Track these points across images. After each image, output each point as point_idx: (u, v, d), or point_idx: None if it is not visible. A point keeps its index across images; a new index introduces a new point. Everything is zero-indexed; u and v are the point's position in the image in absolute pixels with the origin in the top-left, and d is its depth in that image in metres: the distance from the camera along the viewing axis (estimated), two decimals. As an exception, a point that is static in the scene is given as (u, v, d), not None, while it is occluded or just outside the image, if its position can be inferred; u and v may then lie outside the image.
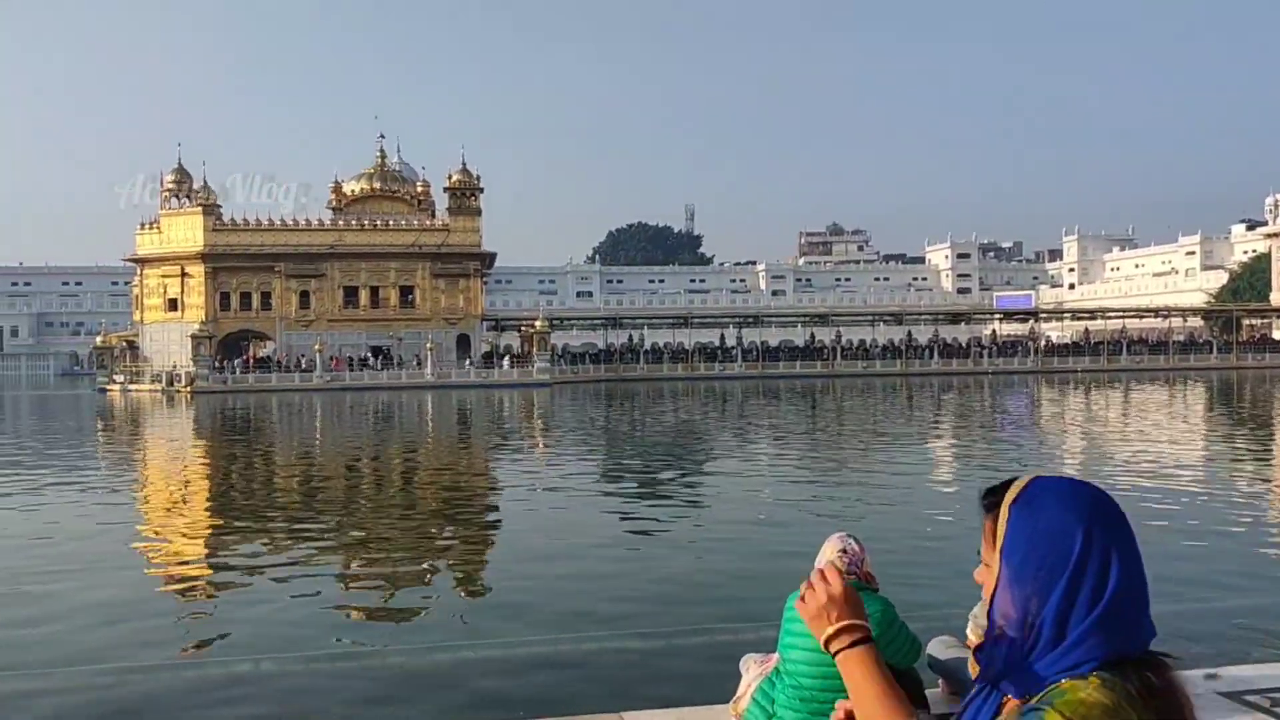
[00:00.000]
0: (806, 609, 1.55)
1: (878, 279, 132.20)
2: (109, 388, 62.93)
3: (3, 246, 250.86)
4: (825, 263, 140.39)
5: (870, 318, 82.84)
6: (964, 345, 75.85)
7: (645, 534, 11.97)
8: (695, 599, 8.64)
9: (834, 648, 1.56)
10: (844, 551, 4.19)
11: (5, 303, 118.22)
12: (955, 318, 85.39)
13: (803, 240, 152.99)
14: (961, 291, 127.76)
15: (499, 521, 13.81)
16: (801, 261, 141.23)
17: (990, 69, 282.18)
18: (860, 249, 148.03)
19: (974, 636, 4.70)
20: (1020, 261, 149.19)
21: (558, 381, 62.55)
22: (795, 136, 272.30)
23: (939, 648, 4.78)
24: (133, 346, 68.68)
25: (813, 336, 77.55)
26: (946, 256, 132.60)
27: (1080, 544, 1.33)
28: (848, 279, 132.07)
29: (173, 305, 67.07)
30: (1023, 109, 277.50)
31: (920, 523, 12.28)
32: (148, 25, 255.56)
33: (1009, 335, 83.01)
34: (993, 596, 1.40)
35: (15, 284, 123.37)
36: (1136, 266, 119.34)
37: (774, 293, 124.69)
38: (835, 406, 39.15)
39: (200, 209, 66.55)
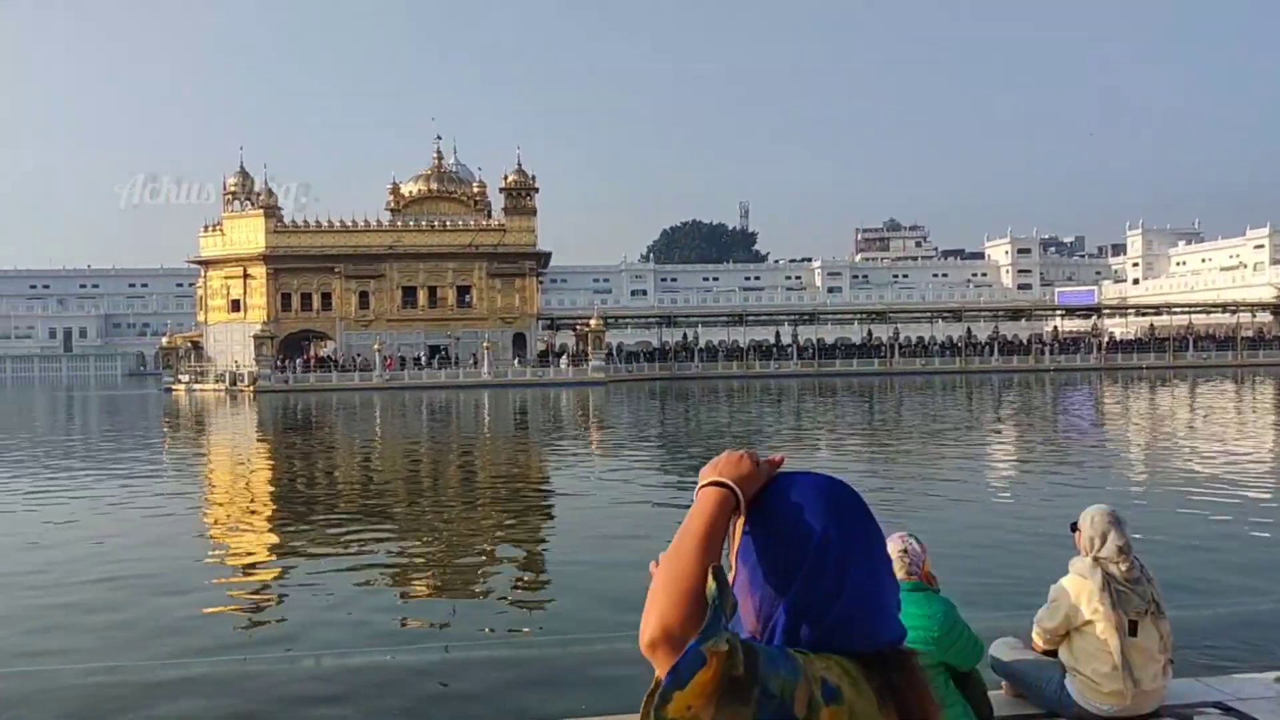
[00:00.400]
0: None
1: (936, 275, 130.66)
2: (174, 387, 64.35)
3: (72, 250, 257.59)
4: (882, 259, 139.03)
5: (929, 314, 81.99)
6: (1025, 342, 74.73)
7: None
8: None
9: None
10: (904, 551, 4.16)
11: (74, 304, 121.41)
12: (1016, 314, 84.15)
13: (859, 237, 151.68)
14: (1022, 287, 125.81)
15: (556, 518, 13.87)
16: (858, 258, 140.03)
17: (1052, 61, 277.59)
18: (918, 245, 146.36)
19: (1039, 640, 4.64)
20: (1082, 257, 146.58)
21: (612, 380, 62.73)
22: (852, 132, 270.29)
23: (1002, 649, 4.73)
24: (197, 347, 70.17)
25: (870, 334, 76.86)
26: (1006, 252, 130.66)
27: (816, 545, 1.29)
28: (905, 275, 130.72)
29: (235, 306, 68.40)
30: (1085, 100, 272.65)
31: (982, 523, 12.13)
32: (207, 31, 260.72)
33: (1071, 332, 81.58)
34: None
35: (84, 286, 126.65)
36: (1203, 261, 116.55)
37: (830, 290, 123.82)
38: (893, 404, 38.78)
39: (262, 211, 67.80)
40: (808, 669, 1.20)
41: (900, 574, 4.12)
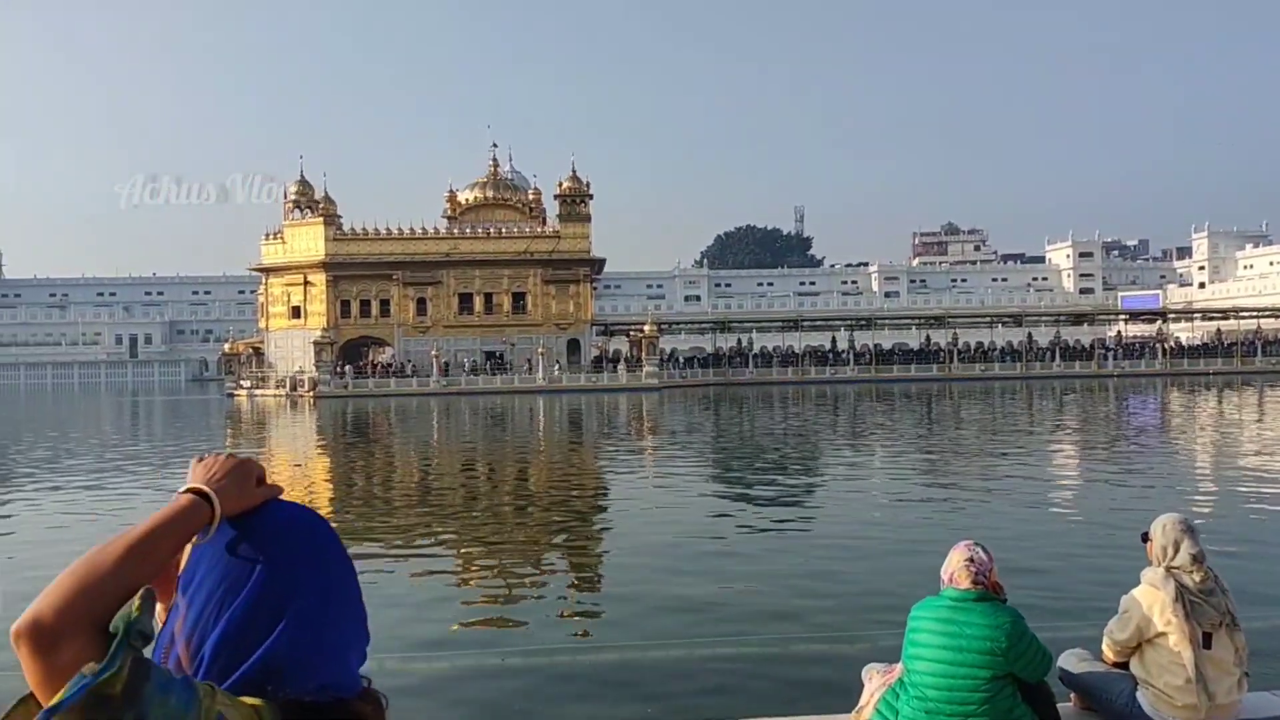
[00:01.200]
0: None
1: (995, 279, 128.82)
2: (236, 392, 65.60)
3: (137, 258, 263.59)
4: (940, 263, 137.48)
5: (988, 319, 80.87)
6: (1087, 347, 73.45)
7: (759, 539, 11.89)
8: (811, 606, 8.53)
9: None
10: (971, 561, 4.10)
11: (139, 311, 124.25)
12: (1078, 319, 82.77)
13: (917, 241, 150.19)
14: (1084, 292, 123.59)
15: (611, 525, 13.88)
16: (916, 262, 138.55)
17: (1114, 59, 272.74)
18: (977, 249, 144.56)
19: (1110, 652, 4.54)
20: (1146, 260, 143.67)
21: (666, 386, 62.74)
22: (909, 135, 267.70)
23: (1071, 661, 4.64)
24: (258, 353, 71.43)
25: (928, 339, 76.05)
26: (1068, 255, 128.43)
27: (258, 579, 1.19)
28: (964, 280, 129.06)
29: (296, 313, 69.51)
30: (1146, 100, 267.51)
31: (1049, 532, 11.93)
32: (270, 41, 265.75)
33: (1135, 337, 80.00)
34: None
35: (149, 293, 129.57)
36: (1271, 264, 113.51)
37: (887, 295, 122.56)
38: (953, 410, 38.31)
39: (321, 219, 68.84)
40: (207, 703, 1.07)
41: (966, 583, 4.06)
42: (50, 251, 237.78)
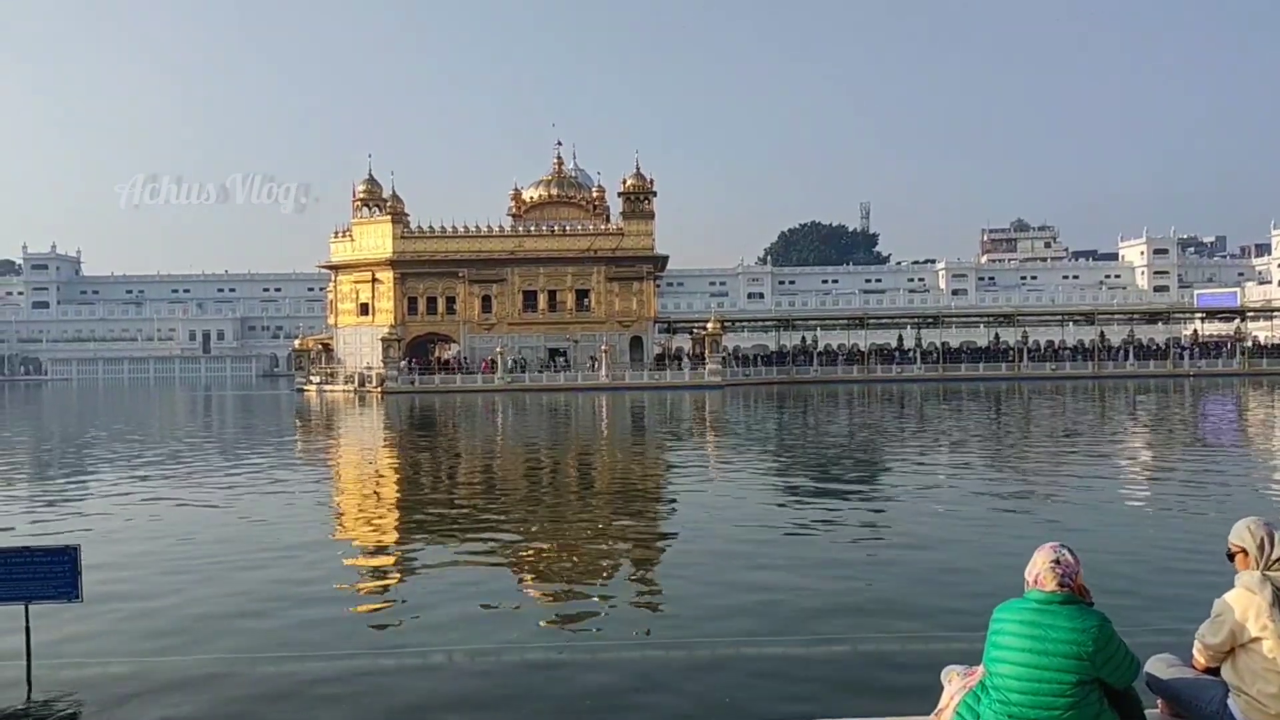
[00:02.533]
0: None
1: (1066, 277, 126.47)
2: (305, 388, 66.88)
3: (210, 256, 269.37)
4: (1009, 260, 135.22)
5: (1059, 317, 79.42)
6: (1162, 346, 71.75)
7: (829, 537, 11.79)
8: (888, 608, 8.42)
9: None
10: (1057, 563, 4.01)
11: (212, 308, 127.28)
12: (1152, 317, 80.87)
13: (985, 238, 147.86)
14: (1158, 290, 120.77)
15: (677, 522, 13.87)
16: (984, 260, 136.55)
17: (1188, 51, 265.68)
18: (1047, 245, 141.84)
19: (1201, 657, 4.41)
20: (1224, 257, 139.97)
21: (729, 383, 62.61)
22: (977, 130, 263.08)
23: (1159, 667, 4.51)
24: (327, 349, 72.70)
25: (996, 337, 74.90)
26: (1142, 253, 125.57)
27: None
28: (1034, 277, 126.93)
29: (364, 310, 70.58)
30: (1225, 93, 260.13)
31: (1138, 535, 11.67)
32: (337, 41, 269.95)
33: (1212, 336, 77.93)
34: None
35: (221, 290, 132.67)
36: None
37: (954, 292, 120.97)
38: (1024, 409, 37.66)
39: (389, 218, 69.81)
40: None
41: (1052, 586, 3.98)
42: (127, 250, 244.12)
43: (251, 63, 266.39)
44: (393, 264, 69.07)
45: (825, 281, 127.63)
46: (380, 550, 11.97)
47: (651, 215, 70.36)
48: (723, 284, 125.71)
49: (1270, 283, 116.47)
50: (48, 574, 6.78)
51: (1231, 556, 4.41)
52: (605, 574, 10.28)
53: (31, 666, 6.67)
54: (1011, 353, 70.03)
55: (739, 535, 11.97)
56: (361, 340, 69.58)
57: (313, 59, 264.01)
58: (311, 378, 68.95)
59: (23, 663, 6.67)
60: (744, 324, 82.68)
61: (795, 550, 11.02)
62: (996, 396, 46.74)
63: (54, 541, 9.59)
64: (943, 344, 71.78)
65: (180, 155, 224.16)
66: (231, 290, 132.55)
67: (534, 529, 12.97)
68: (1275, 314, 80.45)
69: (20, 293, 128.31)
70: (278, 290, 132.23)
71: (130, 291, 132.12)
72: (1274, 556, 4.22)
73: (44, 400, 65.44)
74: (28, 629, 6.74)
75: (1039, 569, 4.03)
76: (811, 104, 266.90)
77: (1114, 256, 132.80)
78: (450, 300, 69.87)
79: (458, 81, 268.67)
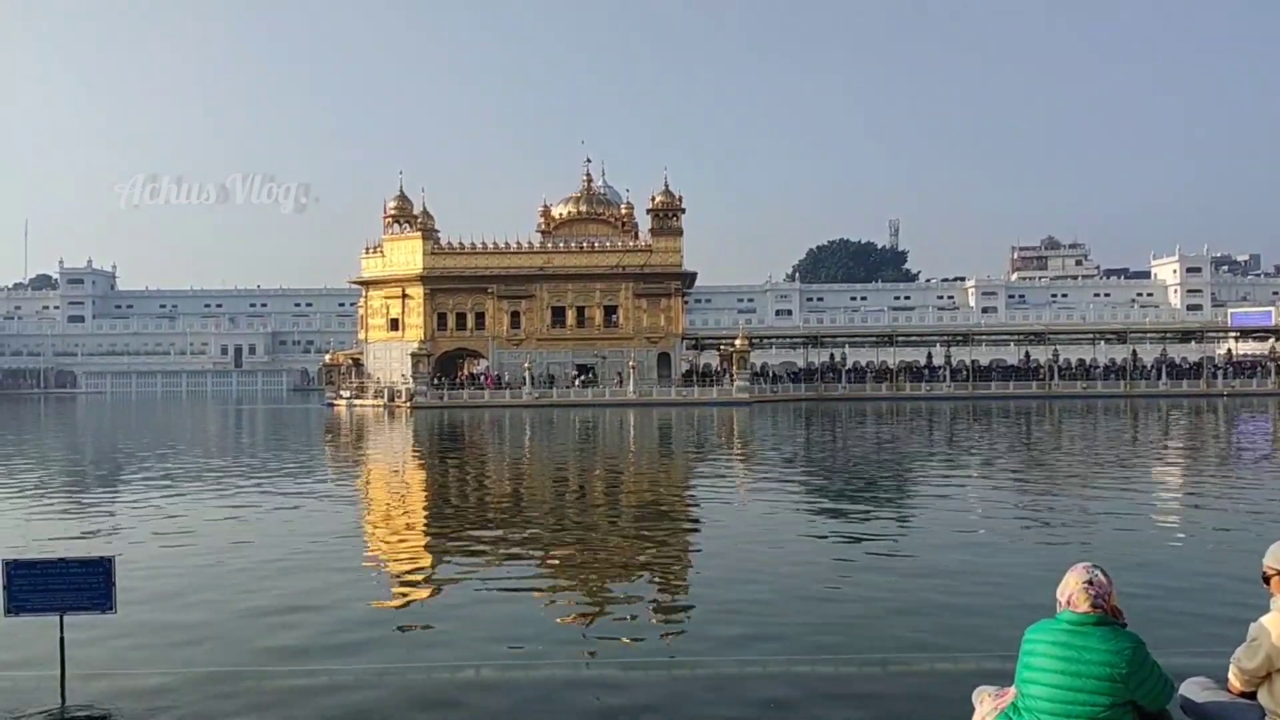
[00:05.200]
0: None
1: (1098, 295, 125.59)
2: (336, 402, 67.41)
3: (243, 270, 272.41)
4: (1040, 278, 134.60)
5: (1090, 335, 78.76)
6: (1195, 365, 70.97)
7: (859, 556, 11.72)
8: (917, 627, 8.36)
9: None
10: (1090, 583, 3.98)
11: (245, 322, 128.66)
12: (1185, 336, 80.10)
13: (1015, 255, 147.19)
14: (1191, 308, 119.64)
15: (704, 541, 13.83)
16: (1014, 277, 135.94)
17: (1217, 70, 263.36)
18: (1078, 263, 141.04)
19: (1237, 681, 4.36)
20: (1258, 275, 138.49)
21: (757, 400, 62.58)
22: (1006, 145, 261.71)
23: (1193, 689, 4.46)
24: (357, 364, 73.28)
25: (1027, 355, 74.47)
26: (1174, 271, 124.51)
27: None
28: (1064, 295, 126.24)
29: (394, 325, 71.13)
30: (1258, 109, 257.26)
31: (1166, 556, 11.54)
32: (362, 55, 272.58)
33: (1246, 355, 77.00)
34: None
35: (253, 305, 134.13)
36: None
37: (984, 310, 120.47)
38: (1055, 428, 37.32)
39: (420, 234, 70.45)
40: None
41: (1085, 606, 3.95)
42: (160, 264, 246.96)
43: (268, 75, 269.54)
44: (423, 279, 69.60)
45: (854, 298, 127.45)
46: (410, 564, 12.02)
47: (680, 232, 70.57)
48: (751, 300, 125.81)
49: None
50: (82, 585, 6.84)
51: (1267, 579, 4.37)
52: (626, 595, 10.26)
53: (65, 677, 6.74)
54: (1042, 371, 69.56)
55: (772, 556, 11.91)
56: (391, 355, 70.13)
57: (343, 75, 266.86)
58: (341, 392, 69.48)
59: (57, 673, 6.74)
60: (772, 341, 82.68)
61: (824, 570, 10.95)
62: (1027, 415, 46.35)
63: (88, 552, 9.69)
64: (972, 362, 71.48)
65: (210, 164, 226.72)
66: (263, 305, 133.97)
67: (563, 548, 12.95)
68: (1311, 333, 79.21)
69: (56, 307, 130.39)
70: (309, 305, 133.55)
71: (164, 305, 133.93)
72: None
73: (78, 413, 66.28)
74: (62, 640, 6.81)
75: (1071, 590, 4.01)
76: (840, 120, 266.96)
77: (1146, 275, 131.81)
78: (479, 316, 70.31)
79: (488, 98, 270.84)
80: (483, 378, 70.04)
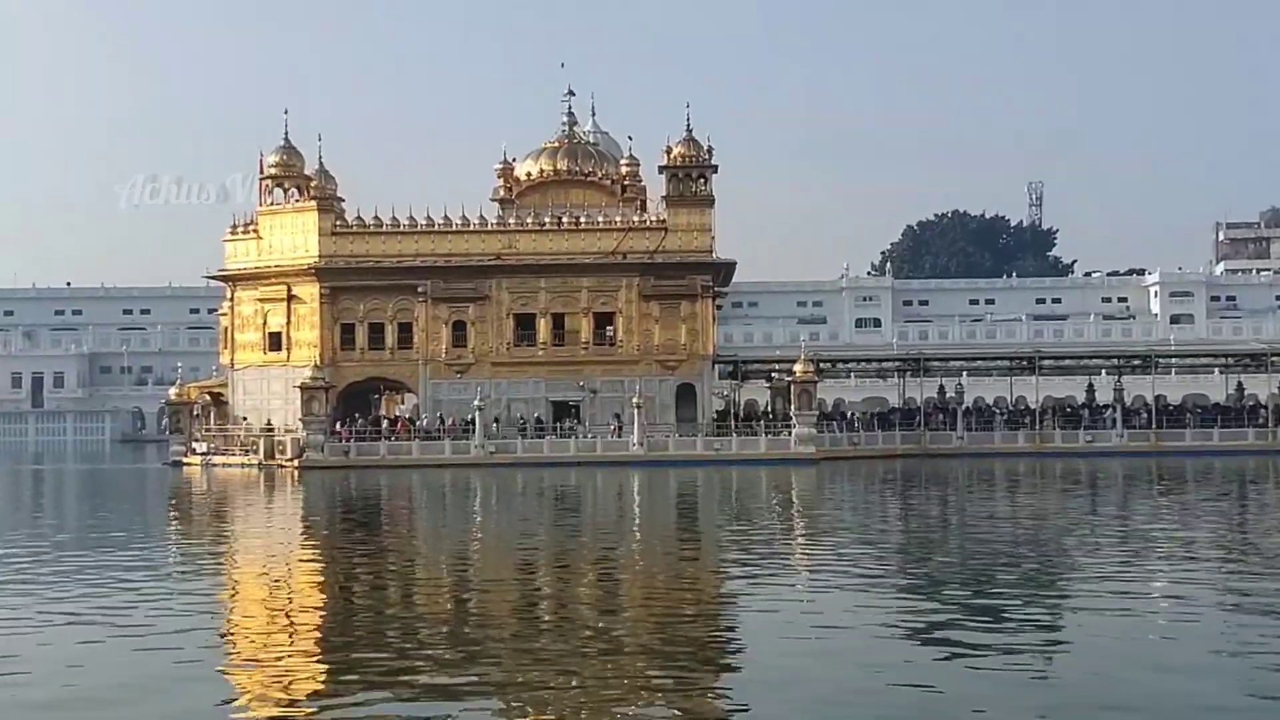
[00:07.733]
0: None
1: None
2: (185, 460, 67.12)
3: (43, 265, 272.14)
4: (1260, 271, 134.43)
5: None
6: None
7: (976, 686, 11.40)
8: None
9: None
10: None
11: (47, 339, 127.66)
12: None
13: (1221, 237, 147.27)
14: None
15: (733, 683, 13.51)
16: (1219, 269, 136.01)
17: None
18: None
19: None
20: None
21: (828, 457, 62.23)
22: (1204, 72, 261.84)
23: None
24: (218, 401, 73.03)
25: (1240, 388, 74.09)
26: None
27: None
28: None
29: (275, 342, 70.63)
30: None
31: None
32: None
33: None
34: None
35: (60, 313, 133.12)
36: None
37: (1174, 319, 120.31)
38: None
39: (314, 204, 69.71)
40: None
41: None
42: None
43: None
44: (319, 272, 69.27)
45: (974, 302, 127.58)
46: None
47: (710, 201, 70.31)
48: (818, 304, 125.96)
49: None
50: None
51: None
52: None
53: None
54: (1263, 413, 69.17)
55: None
56: (270, 388, 69.87)
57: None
58: (194, 445, 69.17)
59: None
60: (851, 366, 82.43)
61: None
62: (1240, 481, 45.93)
63: None
64: (1157, 398, 71.24)
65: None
66: (76, 313, 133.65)
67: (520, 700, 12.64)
68: None
69: None
70: (144, 312, 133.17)
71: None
72: None
73: None
74: None
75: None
76: (949, 29, 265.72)
77: None
78: (404, 328, 70.02)
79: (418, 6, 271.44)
80: (409, 422, 69.53)
